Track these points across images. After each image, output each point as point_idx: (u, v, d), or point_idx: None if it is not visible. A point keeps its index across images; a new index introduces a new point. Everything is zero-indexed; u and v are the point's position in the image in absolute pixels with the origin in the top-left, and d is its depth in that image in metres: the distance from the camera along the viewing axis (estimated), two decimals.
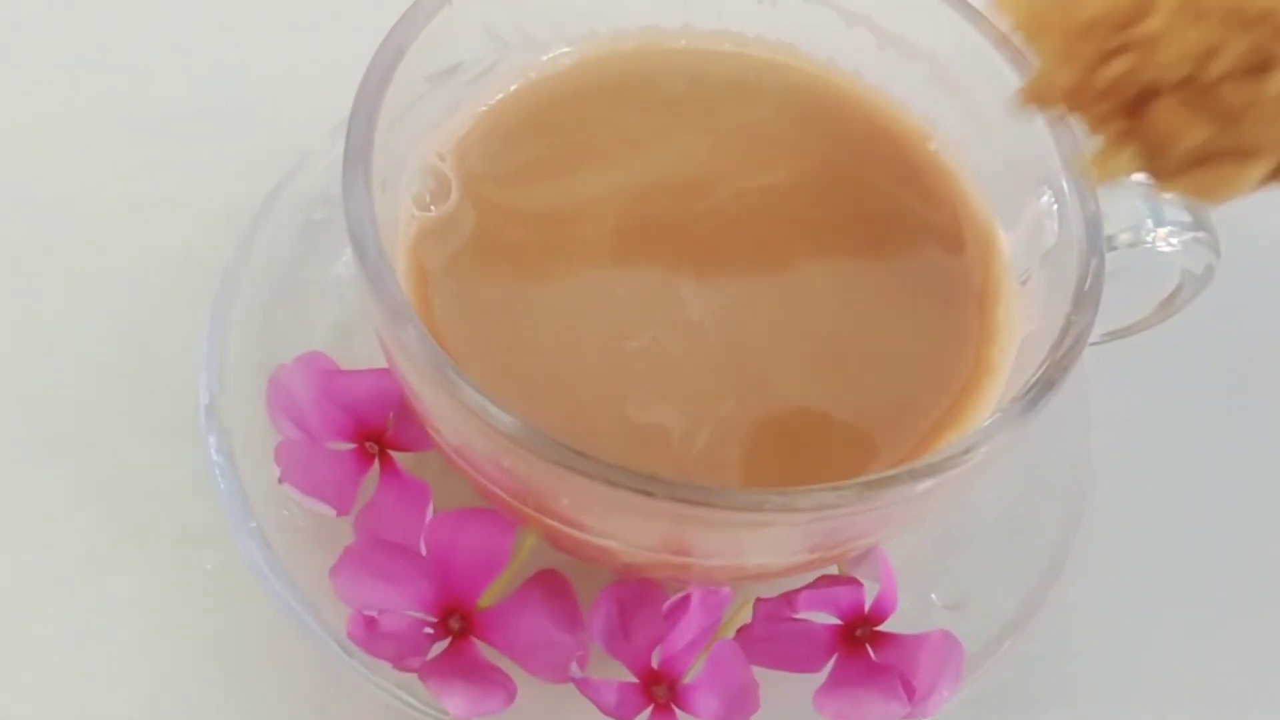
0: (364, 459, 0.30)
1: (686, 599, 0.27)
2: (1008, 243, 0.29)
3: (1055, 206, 0.27)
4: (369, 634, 0.27)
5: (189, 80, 0.38)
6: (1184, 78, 0.18)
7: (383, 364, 0.29)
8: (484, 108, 0.30)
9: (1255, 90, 0.18)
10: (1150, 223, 0.28)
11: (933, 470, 0.23)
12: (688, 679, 0.28)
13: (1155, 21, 0.18)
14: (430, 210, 0.29)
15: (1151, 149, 0.19)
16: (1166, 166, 0.19)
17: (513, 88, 0.31)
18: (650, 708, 0.28)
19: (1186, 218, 0.28)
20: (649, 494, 0.22)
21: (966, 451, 0.23)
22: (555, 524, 0.26)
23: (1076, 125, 0.21)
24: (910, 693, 0.28)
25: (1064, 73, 0.19)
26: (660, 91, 0.31)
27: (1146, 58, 0.18)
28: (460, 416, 0.24)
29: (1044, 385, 0.24)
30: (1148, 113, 0.18)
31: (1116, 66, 0.18)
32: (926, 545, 0.30)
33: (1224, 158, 0.19)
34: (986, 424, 0.24)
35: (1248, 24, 0.17)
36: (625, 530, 0.25)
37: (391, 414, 0.30)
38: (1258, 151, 0.18)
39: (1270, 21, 0.17)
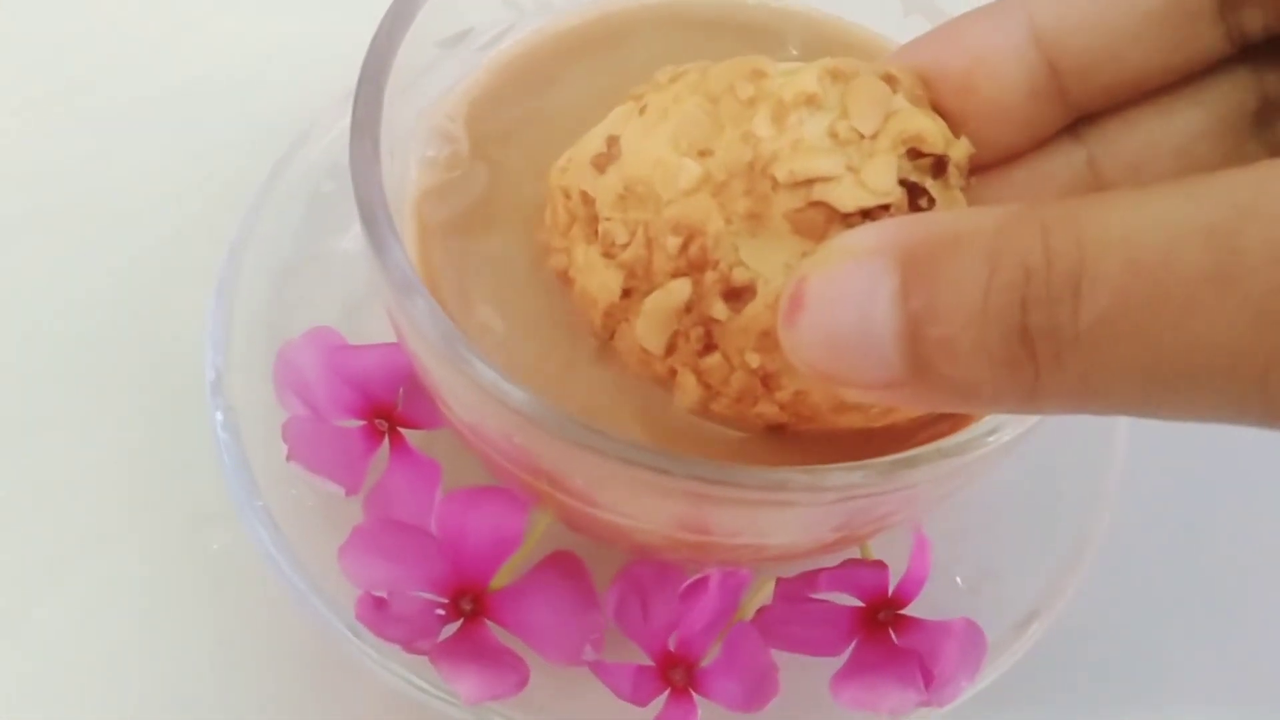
0: (373, 436, 0.29)
1: (704, 581, 0.27)
2: None
3: None
4: (378, 616, 0.26)
5: (196, 50, 0.37)
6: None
7: (392, 339, 0.28)
8: (497, 65, 0.29)
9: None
10: None
11: (961, 450, 0.23)
12: (705, 662, 0.27)
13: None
14: (440, 174, 0.28)
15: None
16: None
17: (528, 45, 0.30)
18: (667, 691, 0.27)
19: None
20: (666, 472, 0.22)
21: (996, 431, 0.23)
22: (569, 502, 0.25)
23: None
24: (929, 680, 0.27)
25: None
26: (681, 44, 0.30)
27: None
28: (471, 393, 0.23)
29: None
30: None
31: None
32: (951, 526, 0.29)
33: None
34: None
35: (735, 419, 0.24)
36: (640, 510, 0.24)
37: (401, 390, 0.29)
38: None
39: (745, 422, 0.24)
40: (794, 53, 0.30)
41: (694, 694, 0.27)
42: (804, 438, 0.24)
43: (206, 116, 0.36)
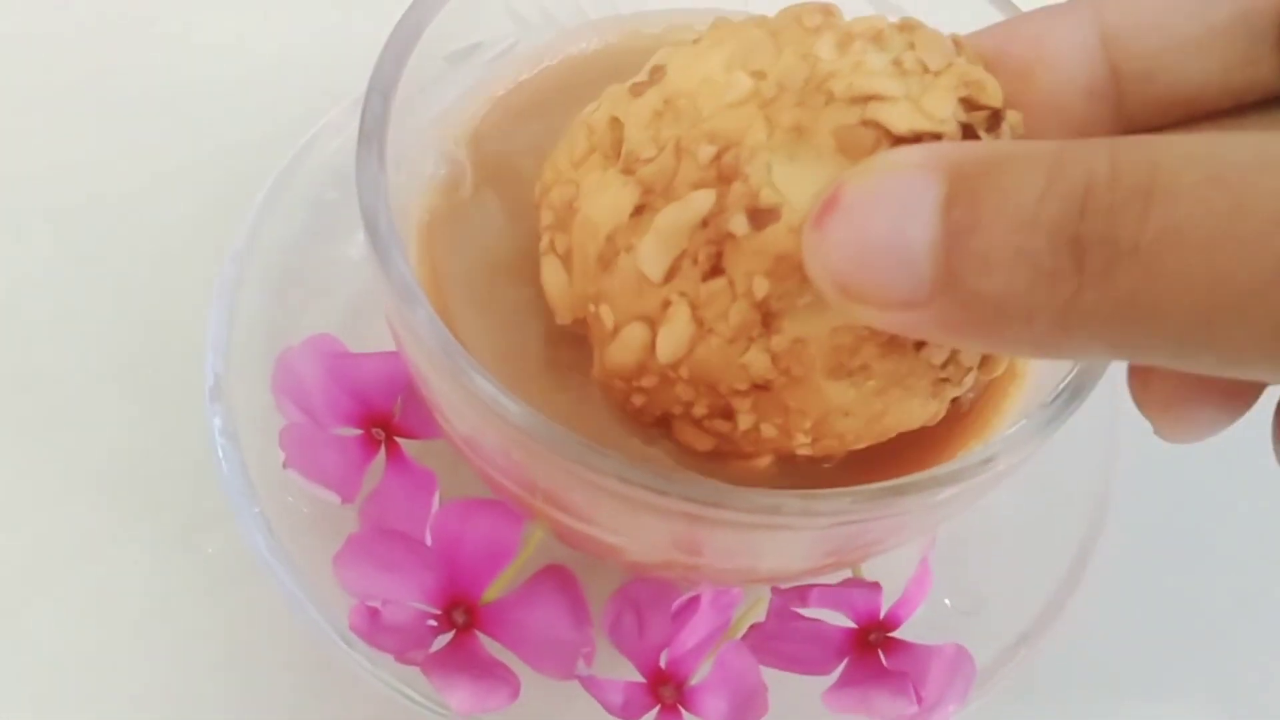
0: (370, 445, 0.29)
1: (696, 599, 0.27)
2: None
3: None
4: (371, 625, 0.27)
5: (200, 56, 0.37)
6: (682, 412, 0.22)
7: (392, 348, 0.28)
8: (502, 92, 0.30)
9: (729, 425, 0.22)
10: None
11: (956, 477, 0.23)
12: (695, 680, 0.27)
13: (647, 380, 0.22)
14: (446, 196, 0.28)
15: (684, 447, 0.23)
16: (700, 456, 0.23)
17: (532, 72, 0.30)
18: (657, 708, 0.27)
19: None
20: (662, 493, 0.22)
21: (990, 460, 0.23)
22: (564, 518, 0.25)
23: None
24: (918, 703, 0.27)
25: (609, 398, 0.24)
26: None
27: (651, 400, 0.23)
28: (470, 405, 0.23)
29: (1073, 393, 0.24)
30: (671, 427, 0.23)
31: (636, 400, 0.23)
32: (942, 550, 0.29)
33: (734, 455, 0.23)
34: (1012, 432, 0.23)
35: (704, 390, 0.22)
36: (636, 528, 0.25)
37: (399, 399, 0.29)
38: (755, 454, 0.23)
39: (719, 389, 0.22)
40: None
41: (683, 711, 0.27)
42: (797, 464, 0.24)
43: (211, 122, 0.36)
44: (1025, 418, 0.24)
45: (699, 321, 0.21)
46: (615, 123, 0.23)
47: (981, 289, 0.17)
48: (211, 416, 0.29)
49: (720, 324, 0.21)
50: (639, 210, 0.22)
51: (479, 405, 0.23)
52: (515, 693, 0.27)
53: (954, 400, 0.23)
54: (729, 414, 0.22)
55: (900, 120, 0.20)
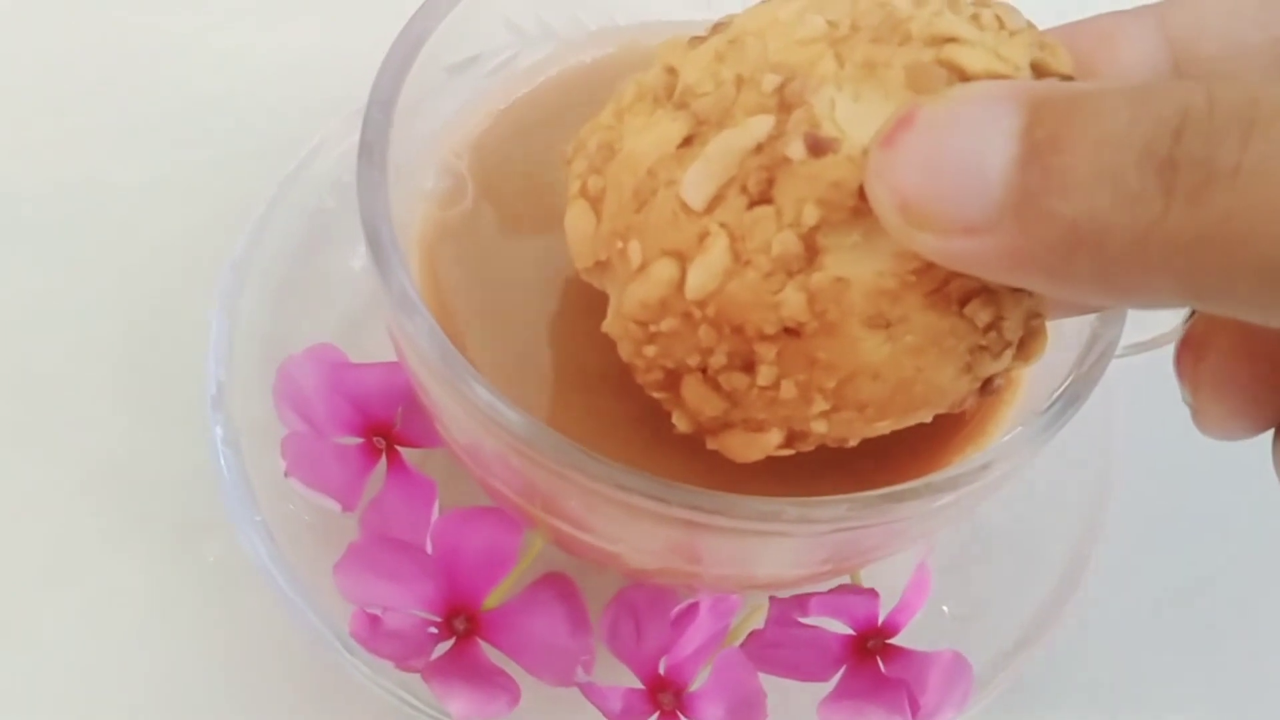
0: (371, 454, 0.29)
1: (695, 606, 0.27)
2: None
3: None
4: (372, 632, 0.27)
5: (203, 66, 0.38)
6: (698, 365, 0.21)
7: (392, 357, 0.28)
8: (502, 104, 0.30)
9: (747, 381, 0.21)
10: None
11: (953, 484, 0.23)
12: (694, 687, 0.27)
13: (667, 322, 0.21)
14: (445, 207, 0.28)
15: (688, 414, 0.22)
16: (703, 427, 0.22)
17: (531, 85, 0.30)
18: (656, 715, 0.27)
19: None
20: (661, 499, 0.22)
21: (987, 466, 0.23)
22: (564, 526, 0.25)
23: None
24: (915, 710, 0.28)
25: (622, 347, 0.22)
26: None
27: (666, 349, 0.21)
28: (469, 414, 0.23)
29: (1068, 400, 0.24)
30: (679, 388, 0.22)
31: (648, 351, 0.22)
32: (939, 558, 0.29)
33: (743, 426, 0.22)
34: (1009, 438, 0.24)
35: (728, 334, 0.20)
36: (636, 535, 0.25)
37: (400, 409, 0.29)
38: (765, 425, 0.22)
39: (745, 332, 0.20)
40: None
41: (682, 717, 0.27)
42: (797, 464, 0.24)
43: (212, 132, 0.36)
44: (1021, 425, 0.24)
45: (736, 255, 0.20)
46: (670, 71, 0.22)
47: (1056, 210, 0.16)
48: (213, 425, 0.30)
49: (760, 256, 0.20)
50: (687, 141, 0.21)
51: (478, 414, 0.23)
52: (515, 700, 0.27)
53: (982, 387, 0.22)
54: (749, 365, 0.21)
55: (976, 61, 0.19)
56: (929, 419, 0.22)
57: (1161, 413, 0.34)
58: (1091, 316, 0.25)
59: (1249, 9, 0.21)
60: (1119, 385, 0.31)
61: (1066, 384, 0.24)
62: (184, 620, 0.30)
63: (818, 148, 0.19)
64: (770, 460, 0.26)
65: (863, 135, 0.19)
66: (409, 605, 0.27)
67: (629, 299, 0.21)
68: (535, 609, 0.27)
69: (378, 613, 0.27)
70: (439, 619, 0.27)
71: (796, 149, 0.20)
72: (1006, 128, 0.17)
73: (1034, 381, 0.27)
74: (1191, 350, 0.22)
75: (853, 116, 0.20)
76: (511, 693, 0.27)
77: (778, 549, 0.24)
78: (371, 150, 0.25)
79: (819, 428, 0.21)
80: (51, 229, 0.35)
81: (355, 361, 0.30)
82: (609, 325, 0.22)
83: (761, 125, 0.20)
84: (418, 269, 0.27)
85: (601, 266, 0.22)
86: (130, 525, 0.31)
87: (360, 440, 0.29)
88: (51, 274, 0.34)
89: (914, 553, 0.29)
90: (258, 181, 0.33)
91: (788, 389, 0.21)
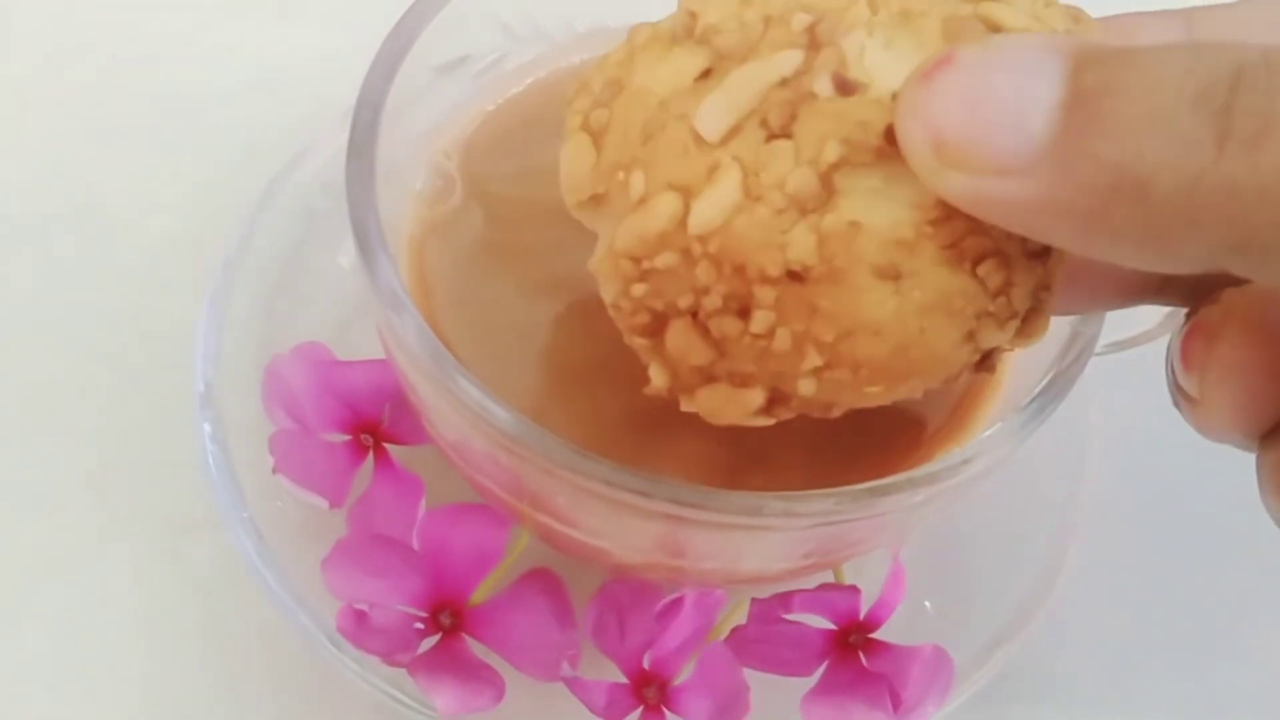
0: (358, 451, 0.29)
1: (679, 601, 0.27)
2: None
3: None
4: (359, 628, 0.27)
5: (192, 64, 0.38)
6: (689, 307, 0.20)
7: (379, 355, 0.29)
8: (491, 105, 0.30)
9: (740, 328, 0.20)
10: None
11: (933, 479, 0.23)
12: (678, 681, 0.28)
13: (663, 259, 0.20)
14: (434, 207, 0.28)
15: (669, 365, 0.21)
16: (682, 382, 0.21)
17: (521, 86, 0.30)
18: (640, 709, 0.27)
19: None
20: (647, 495, 0.22)
21: (968, 461, 0.23)
22: (550, 522, 0.25)
23: None
24: (897, 704, 0.28)
25: (607, 288, 0.21)
26: None
27: (657, 288, 0.20)
28: (457, 412, 0.24)
29: (1048, 396, 0.24)
30: (665, 333, 0.21)
31: (637, 290, 0.20)
32: (922, 552, 0.30)
33: (727, 379, 0.21)
34: (989, 434, 0.24)
35: (728, 273, 0.19)
36: (621, 531, 0.25)
37: (387, 406, 0.29)
38: (750, 381, 0.21)
39: (747, 272, 0.19)
40: None
41: (667, 712, 0.27)
42: (781, 462, 0.25)
43: (203, 133, 0.36)
44: (1001, 422, 0.24)
45: (748, 190, 0.19)
46: (690, 14, 0.21)
47: (1101, 152, 0.16)
48: (202, 423, 0.30)
49: (773, 192, 0.19)
50: (705, 75, 0.20)
51: (466, 411, 0.23)
52: (500, 694, 0.27)
53: (979, 362, 0.21)
54: (745, 310, 0.20)
55: (1015, 21, 0.19)
56: (919, 394, 0.21)
57: (1141, 410, 0.35)
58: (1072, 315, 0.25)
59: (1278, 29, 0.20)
60: (1098, 383, 0.32)
61: (1046, 381, 0.24)
62: (172, 616, 0.30)
63: (845, 88, 0.19)
64: (754, 457, 0.26)
65: (892, 82, 0.19)
66: (395, 601, 0.27)
67: (625, 232, 0.20)
68: (521, 604, 0.28)
69: (365, 608, 0.27)
70: (425, 614, 0.27)
71: (824, 84, 0.19)
72: (1052, 71, 0.16)
73: (1014, 379, 0.28)
74: (1203, 335, 0.21)
75: (883, 64, 0.19)
76: (497, 687, 0.27)
77: (761, 543, 0.25)
78: (360, 150, 0.25)
79: (806, 388, 0.20)
80: (41, 227, 0.35)
81: (343, 360, 0.30)
82: (596, 263, 0.21)
83: (789, 60, 0.19)
84: (406, 268, 0.27)
85: (597, 200, 0.21)
86: (119, 522, 0.31)
87: (348, 438, 0.29)
88: (39, 273, 0.34)
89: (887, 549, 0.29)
90: (248, 182, 0.33)
91: (782, 339, 0.20)
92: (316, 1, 0.39)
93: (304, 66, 0.37)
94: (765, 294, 0.19)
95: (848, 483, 0.23)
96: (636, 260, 0.20)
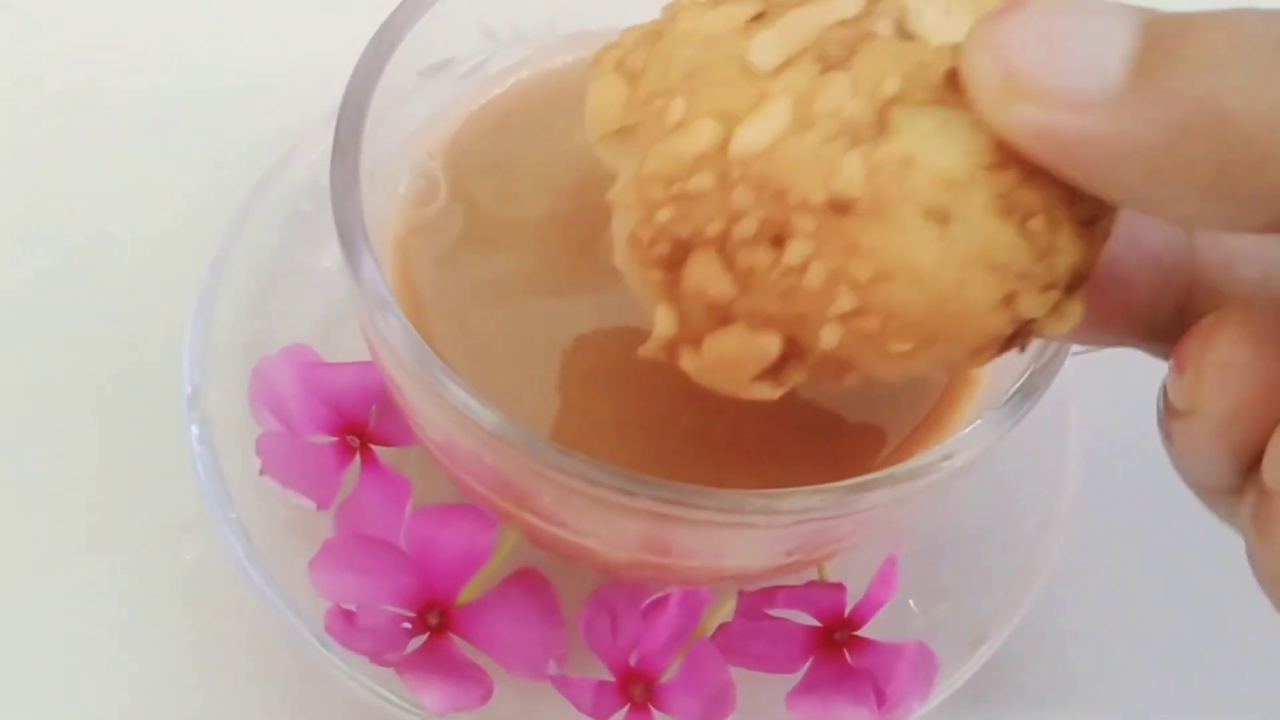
0: (345, 452, 0.30)
1: (665, 599, 0.27)
2: None
3: None
4: (347, 628, 0.27)
5: (179, 67, 0.38)
6: (717, 235, 0.19)
7: (365, 357, 0.29)
8: (475, 107, 0.30)
9: (770, 259, 0.19)
10: None
11: (914, 475, 0.23)
12: (665, 679, 0.28)
13: (697, 181, 0.19)
14: (419, 209, 0.29)
15: (681, 306, 0.20)
16: (691, 327, 0.20)
17: (504, 87, 0.31)
18: (626, 707, 0.28)
19: None
20: (630, 493, 0.22)
21: (948, 457, 0.24)
22: (536, 521, 0.26)
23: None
24: (881, 700, 0.28)
25: (624, 220, 0.20)
26: None
27: (686, 212, 0.19)
28: (442, 411, 0.24)
29: (1025, 393, 0.24)
30: (685, 266, 0.19)
31: (661, 216, 0.19)
32: (904, 551, 0.30)
33: (746, 320, 0.19)
34: (968, 430, 0.24)
35: (767, 198, 0.18)
36: (605, 529, 0.25)
37: (373, 408, 0.30)
38: (769, 324, 0.19)
39: (787, 198, 0.18)
40: None
41: (653, 709, 0.28)
42: (764, 457, 0.25)
43: (189, 134, 0.37)
44: (981, 418, 0.25)
45: (798, 119, 0.18)
46: None
47: (1180, 87, 0.16)
48: (189, 425, 0.30)
49: (826, 120, 0.18)
50: (756, 19, 0.19)
51: (450, 410, 0.23)
52: (488, 693, 0.27)
53: (1009, 339, 0.20)
54: (779, 239, 0.18)
55: None
56: (944, 375, 0.20)
57: (1120, 408, 0.35)
58: None
59: None
60: (1076, 381, 0.32)
61: (1024, 378, 0.25)
62: (162, 618, 0.30)
63: (904, 34, 0.18)
64: (739, 457, 0.26)
65: (951, 40, 0.18)
66: (383, 601, 0.27)
67: (657, 154, 0.19)
68: (508, 604, 0.28)
69: (352, 608, 0.27)
70: (413, 614, 0.28)
71: (885, 25, 0.18)
72: (1126, 20, 0.16)
73: (991, 380, 0.28)
74: (1199, 335, 0.20)
75: (940, 26, 0.18)
76: (485, 686, 0.27)
77: (745, 540, 0.25)
78: (345, 151, 0.25)
79: (829, 338, 0.19)
80: (28, 230, 0.35)
81: (329, 362, 0.30)
82: (618, 192, 0.20)
83: (849, 4, 0.19)
84: (391, 269, 0.28)
85: (625, 132, 0.20)
86: (107, 524, 0.31)
87: (334, 439, 0.30)
88: (26, 275, 0.34)
89: (882, 546, 0.29)
90: (234, 185, 0.33)
91: (815, 274, 0.18)
92: (300, 6, 0.39)
93: (288, 70, 0.37)
94: (804, 222, 0.18)
95: (828, 480, 0.23)
96: (667, 182, 0.19)
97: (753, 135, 0.18)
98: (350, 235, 0.24)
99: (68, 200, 0.35)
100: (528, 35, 0.31)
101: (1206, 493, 0.21)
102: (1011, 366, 0.26)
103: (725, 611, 0.29)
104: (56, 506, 0.31)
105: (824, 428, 0.27)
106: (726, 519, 0.23)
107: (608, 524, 0.25)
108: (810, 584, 0.29)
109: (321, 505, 0.29)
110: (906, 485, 0.23)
